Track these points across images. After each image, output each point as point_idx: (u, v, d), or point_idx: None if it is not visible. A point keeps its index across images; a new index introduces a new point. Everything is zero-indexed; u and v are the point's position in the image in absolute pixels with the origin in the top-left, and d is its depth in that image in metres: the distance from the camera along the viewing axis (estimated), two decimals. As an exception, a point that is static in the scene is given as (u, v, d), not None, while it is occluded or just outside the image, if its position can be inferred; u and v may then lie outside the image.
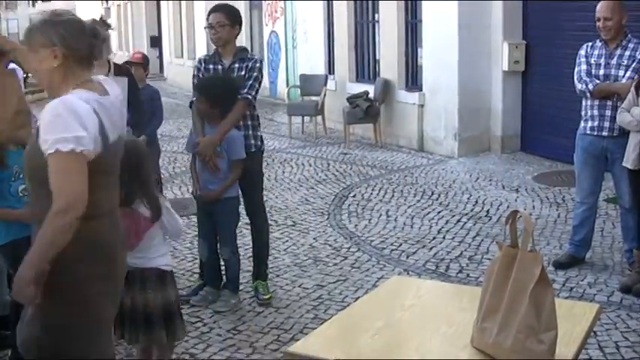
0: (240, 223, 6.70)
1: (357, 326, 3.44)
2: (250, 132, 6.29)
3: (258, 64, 6.27)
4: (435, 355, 3.08)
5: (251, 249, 6.75)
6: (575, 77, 6.75)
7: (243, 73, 6.22)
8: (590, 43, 6.77)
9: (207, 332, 5.82)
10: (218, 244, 6.38)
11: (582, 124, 6.79)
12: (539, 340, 2.87)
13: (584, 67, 6.70)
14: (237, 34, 6.36)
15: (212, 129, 6.08)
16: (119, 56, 30.81)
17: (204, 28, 6.61)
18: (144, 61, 8.60)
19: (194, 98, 6.24)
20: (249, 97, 6.13)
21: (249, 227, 6.78)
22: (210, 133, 6.06)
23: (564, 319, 3.16)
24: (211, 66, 6.37)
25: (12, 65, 10.47)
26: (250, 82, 6.17)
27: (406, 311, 3.57)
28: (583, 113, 6.77)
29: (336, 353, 3.14)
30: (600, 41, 6.66)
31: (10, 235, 4.85)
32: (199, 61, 6.48)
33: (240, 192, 6.41)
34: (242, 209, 6.62)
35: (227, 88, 6.13)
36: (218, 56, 6.37)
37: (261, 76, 6.31)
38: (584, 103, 6.76)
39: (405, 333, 3.34)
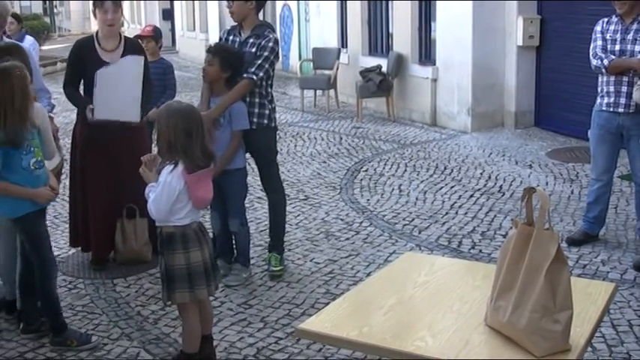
0: (252, 197, 6.68)
1: (370, 303, 3.43)
2: (255, 110, 6.22)
3: (271, 44, 6.13)
4: (447, 333, 3.06)
5: (263, 223, 6.72)
6: (591, 53, 6.67)
7: (254, 50, 6.14)
8: (605, 19, 6.68)
9: (219, 306, 5.80)
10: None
11: (598, 100, 6.72)
12: (554, 320, 2.84)
13: (599, 42, 6.62)
14: (254, 9, 6.26)
15: (214, 102, 6.05)
16: (131, 30, 30.80)
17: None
18: (154, 34, 8.53)
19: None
20: (254, 77, 6.03)
21: (261, 201, 6.75)
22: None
23: (579, 298, 3.14)
24: (231, 37, 6.35)
25: (29, 38, 10.36)
26: (259, 61, 6.07)
27: (419, 288, 3.55)
28: (599, 89, 6.70)
29: (348, 330, 3.13)
30: (616, 16, 6.57)
31: (25, 209, 4.86)
32: (224, 32, 6.49)
33: (248, 164, 6.39)
34: (256, 183, 6.59)
35: (240, 56, 6.10)
36: (239, 29, 6.33)
37: (275, 57, 6.19)
38: (599, 79, 6.69)
39: (418, 310, 3.33)
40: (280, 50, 6.23)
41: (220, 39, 6.43)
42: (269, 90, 6.31)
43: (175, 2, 31.69)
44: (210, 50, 6.11)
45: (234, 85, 6.04)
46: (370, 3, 15.58)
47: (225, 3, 6.34)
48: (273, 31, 6.36)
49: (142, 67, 6.31)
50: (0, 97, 4.64)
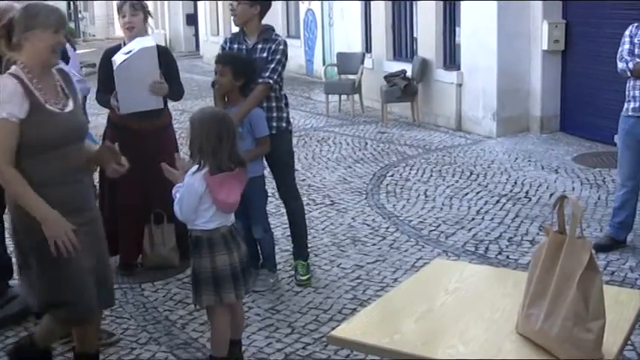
0: (278, 202, 6.68)
1: (401, 310, 3.43)
2: (274, 114, 6.22)
3: (281, 47, 6.15)
4: (479, 341, 3.06)
5: (288, 228, 6.73)
6: (618, 56, 6.65)
7: (265, 55, 6.13)
8: (636, 24, 6.65)
9: (246, 312, 5.79)
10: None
11: (625, 105, 6.70)
12: (586, 329, 2.83)
13: (627, 46, 6.60)
14: (260, 13, 6.25)
15: (230, 111, 6.04)
16: (156, 35, 30.88)
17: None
18: None
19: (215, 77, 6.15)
20: (270, 81, 6.04)
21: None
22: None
23: (610, 306, 3.12)
24: (236, 45, 6.30)
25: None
26: (272, 65, 6.08)
27: (450, 295, 3.55)
28: (626, 94, 6.67)
29: (379, 337, 3.14)
30: (647, 21, 6.56)
31: None
32: (225, 41, 6.44)
33: (266, 172, 6.39)
34: (274, 190, 6.61)
35: (252, 63, 6.07)
36: (243, 35, 6.31)
37: (285, 59, 6.19)
38: (627, 83, 6.66)
39: (449, 318, 3.32)
40: (289, 53, 6.23)
41: (223, 48, 6.37)
42: (282, 93, 6.33)
43: (199, 7, 31.77)
44: (220, 60, 6.06)
45: (249, 92, 6.04)
46: (394, 8, 15.58)
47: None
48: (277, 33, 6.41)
49: (156, 54, 6.29)
50: None
